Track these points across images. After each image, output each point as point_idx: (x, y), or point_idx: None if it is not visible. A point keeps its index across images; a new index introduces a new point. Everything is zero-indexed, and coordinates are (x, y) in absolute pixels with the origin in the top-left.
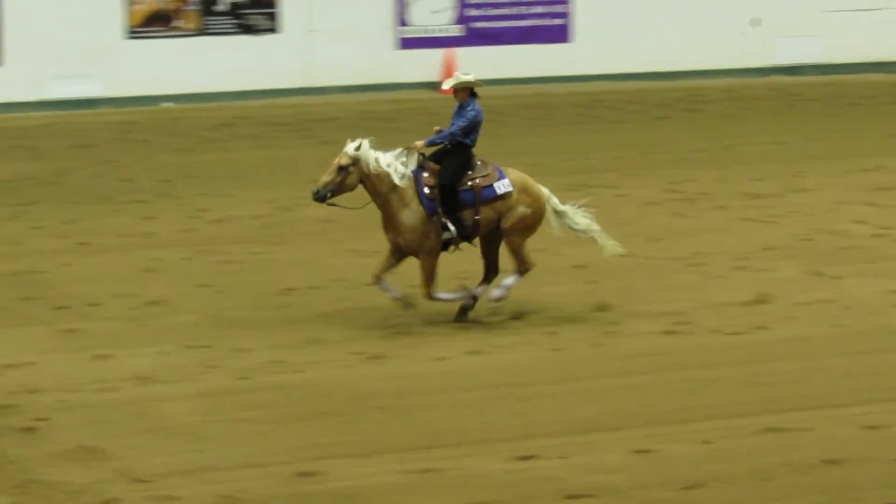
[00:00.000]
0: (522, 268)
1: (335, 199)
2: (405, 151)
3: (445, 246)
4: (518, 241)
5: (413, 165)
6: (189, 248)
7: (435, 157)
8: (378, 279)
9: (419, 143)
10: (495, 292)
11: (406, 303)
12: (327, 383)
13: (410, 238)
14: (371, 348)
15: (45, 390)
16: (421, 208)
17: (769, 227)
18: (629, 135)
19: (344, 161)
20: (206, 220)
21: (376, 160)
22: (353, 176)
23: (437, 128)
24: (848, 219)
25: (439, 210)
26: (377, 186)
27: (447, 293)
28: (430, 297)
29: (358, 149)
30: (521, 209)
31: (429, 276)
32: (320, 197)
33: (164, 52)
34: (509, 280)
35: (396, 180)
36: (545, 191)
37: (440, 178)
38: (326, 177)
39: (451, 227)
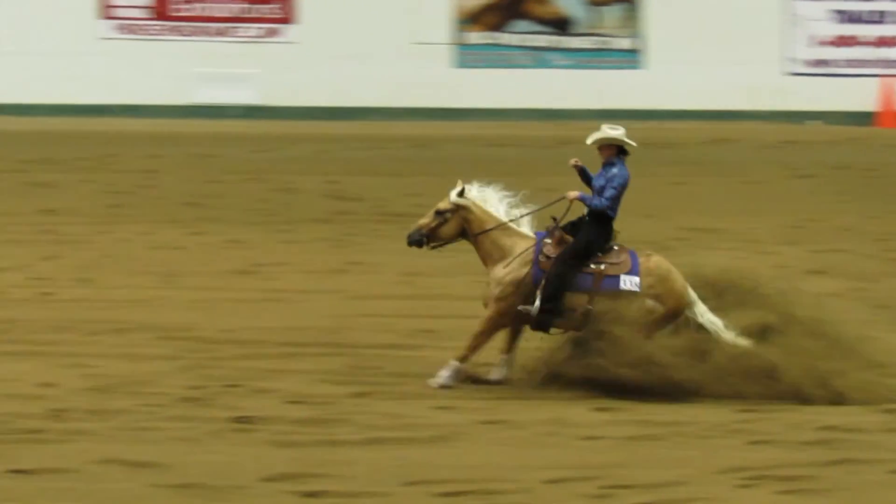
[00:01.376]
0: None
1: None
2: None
3: (540, 324)
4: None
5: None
6: None
7: (570, 226)
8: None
9: (573, 193)
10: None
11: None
12: None
13: (493, 290)
14: None
15: None
16: (524, 271)
17: None
18: None
19: (443, 206)
20: None
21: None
22: (451, 224)
23: (574, 160)
24: None
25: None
26: (482, 241)
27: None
28: (462, 360)
29: (461, 194)
30: (650, 303)
31: (478, 338)
32: (413, 241)
33: None
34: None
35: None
36: (691, 293)
37: (565, 252)
38: (423, 219)
39: (535, 304)
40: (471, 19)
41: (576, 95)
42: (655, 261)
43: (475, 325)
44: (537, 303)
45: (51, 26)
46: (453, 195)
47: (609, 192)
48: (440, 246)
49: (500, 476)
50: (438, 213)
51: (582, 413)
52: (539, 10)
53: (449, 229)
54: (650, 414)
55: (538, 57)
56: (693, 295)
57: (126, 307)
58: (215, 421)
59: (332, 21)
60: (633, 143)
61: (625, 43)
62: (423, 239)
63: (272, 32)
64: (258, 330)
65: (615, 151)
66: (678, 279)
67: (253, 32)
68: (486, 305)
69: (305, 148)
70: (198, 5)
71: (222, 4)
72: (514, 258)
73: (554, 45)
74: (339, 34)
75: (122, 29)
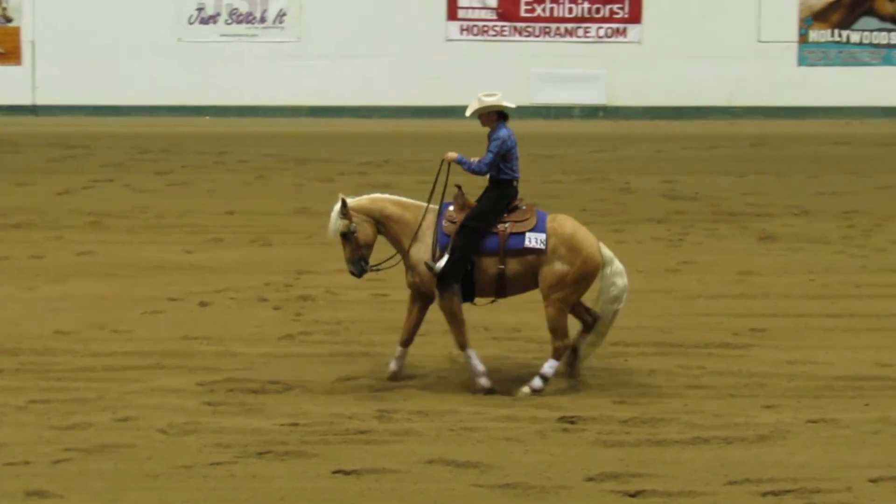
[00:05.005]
0: (558, 345)
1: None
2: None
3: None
4: (554, 309)
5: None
6: None
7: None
8: (405, 342)
9: (451, 154)
10: (535, 384)
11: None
12: None
13: (423, 273)
14: None
15: None
16: (431, 242)
17: None
18: None
19: (342, 228)
20: None
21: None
22: (364, 227)
23: (452, 154)
24: None
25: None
26: (390, 228)
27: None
28: (463, 347)
29: (344, 206)
30: (560, 267)
31: (451, 319)
32: (358, 272)
33: None
34: (548, 369)
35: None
36: (606, 251)
37: (466, 217)
38: (345, 253)
39: (440, 263)
40: (815, 17)
41: None
42: (560, 220)
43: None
44: (442, 261)
45: (401, 29)
46: (335, 214)
47: (487, 157)
48: (375, 266)
49: (824, 475)
50: (345, 235)
51: None
52: (889, 7)
53: (366, 235)
54: None
55: (882, 55)
56: (608, 254)
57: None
58: (541, 421)
59: (675, 20)
60: (512, 105)
61: None
62: (361, 262)
63: (617, 32)
64: None
65: (495, 117)
66: (588, 237)
67: (598, 33)
68: (416, 281)
69: (645, 147)
70: (544, 6)
71: (568, 5)
72: (423, 234)
73: None
74: (682, 34)
75: (468, 31)
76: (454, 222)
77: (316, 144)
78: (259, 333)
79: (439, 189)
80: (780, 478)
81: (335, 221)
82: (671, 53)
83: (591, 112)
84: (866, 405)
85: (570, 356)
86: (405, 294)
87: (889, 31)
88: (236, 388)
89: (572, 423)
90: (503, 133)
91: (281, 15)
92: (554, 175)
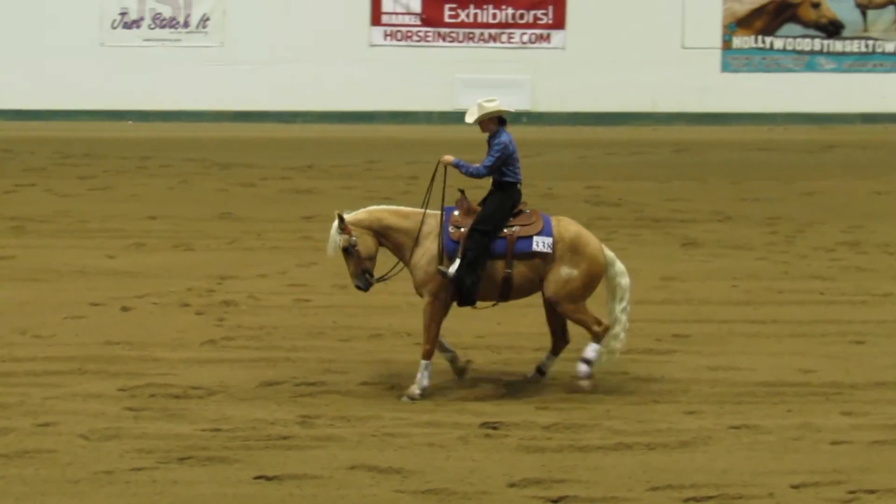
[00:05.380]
0: (595, 331)
1: (379, 276)
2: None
3: (464, 298)
4: (569, 307)
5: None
6: None
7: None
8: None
9: (449, 157)
10: (580, 369)
11: (456, 369)
12: None
13: (417, 276)
14: None
15: None
16: (435, 247)
17: None
18: None
19: (342, 243)
20: None
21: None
22: (364, 240)
23: (448, 158)
24: None
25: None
26: (391, 237)
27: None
28: (427, 356)
29: (342, 222)
30: (566, 271)
31: (428, 325)
32: (364, 285)
33: None
34: (589, 352)
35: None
36: (608, 252)
37: (475, 222)
38: (349, 268)
39: (452, 268)
40: (739, 24)
41: (842, 100)
42: (564, 224)
43: (424, 312)
44: (454, 266)
45: (325, 34)
46: (335, 230)
47: (487, 160)
48: (381, 278)
49: (747, 481)
50: (346, 250)
51: (829, 417)
52: (812, 13)
53: (367, 247)
54: None
55: (805, 61)
56: (610, 255)
57: (380, 313)
58: (464, 427)
59: (599, 26)
60: (511, 110)
61: (891, 46)
62: (366, 275)
63: (541, 38)
64: (514, 335)
65: (496, 122)
66: (591, 240)
67: (522, 38)
68: (419, 294)
69: (568, 153)
70: (468, 11)
71: (492, 11)
72: (424, 238)
73: (821, 49)
74: (606, 40)
75: (391, 36)
76: (461, 227)
77: (239, 149)
78: (181, 338)
79: (434, 191)
80: (703, 484)
81: (334, 238)
82: (595, 59)
83: (514, 118)
84: (788, 411)
85: (535, 374)
86: (329, 299)
87: (812, 37)
88: (158, 393)
89: (494, 428)
90: (504, 138)
91: (204, 20)
92: (477, 181)
